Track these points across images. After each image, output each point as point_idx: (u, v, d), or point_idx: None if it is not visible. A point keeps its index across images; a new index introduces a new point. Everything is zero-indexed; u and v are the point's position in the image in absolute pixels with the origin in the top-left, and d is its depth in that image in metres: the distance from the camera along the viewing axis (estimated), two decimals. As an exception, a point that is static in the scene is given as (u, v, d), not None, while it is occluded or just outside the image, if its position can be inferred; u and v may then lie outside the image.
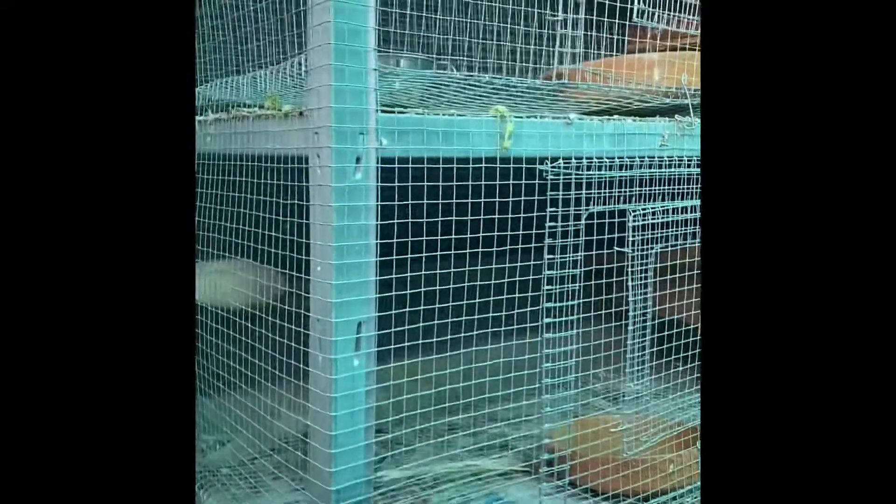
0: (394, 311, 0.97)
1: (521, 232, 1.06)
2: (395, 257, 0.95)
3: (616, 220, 1.17)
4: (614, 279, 1.20)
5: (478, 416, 1.25)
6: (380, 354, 0.94)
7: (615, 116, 1.16)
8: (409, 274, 0.97)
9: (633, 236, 1.18)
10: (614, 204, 1.15)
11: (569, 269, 1.11)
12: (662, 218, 1.22)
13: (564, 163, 1.08)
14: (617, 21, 1.14)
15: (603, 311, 1.21)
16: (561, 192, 1.08)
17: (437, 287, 1.03)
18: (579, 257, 1.12)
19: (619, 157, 1.15)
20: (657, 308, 1.24)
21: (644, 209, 1.19)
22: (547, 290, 1.10)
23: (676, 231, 1.24)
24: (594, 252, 1.15)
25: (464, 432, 1.33)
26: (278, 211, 1.01)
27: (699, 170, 1.25)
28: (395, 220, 0.94)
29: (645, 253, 1.20)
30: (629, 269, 1.19)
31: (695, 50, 1.27)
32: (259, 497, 1.22)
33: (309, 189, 0.93)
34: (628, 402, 1.24)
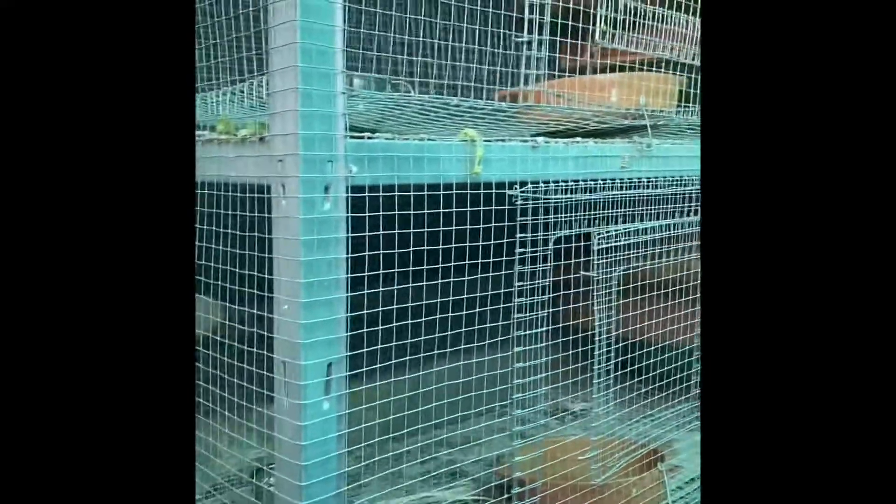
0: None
1: (491, 259, 1.03)
2: (365, 291, 0.90)
3: (581, 243, 1.15)
4: (581, 303, 1.18)
5: (432, 442, 1.19)
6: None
7: (578, 139, 1.14)
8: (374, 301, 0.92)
9: (598, 259, 1.16)
10: (579, 227, 1.13)
11: (538, 295, 1.08)
12: (625, 240, 1.20)
13: (532, 187, 1.05)
14: (579, 42, 1.12)
15: (570, 337, 1.19)
16: (530, 217, 1.05)
17: (411, 304, 0.98)
18: (548, 283, 1.09)
19: (582, 180, 1.12)
20: (620, 331, 1.23)
21: (608, 231, 1.17)
22: (517, 318, 1.06)
23: (638, 252, 1.23)
24: (562, 277, 1.13)
25: (419, 459, 1.27)
26: (234, 243, 0.94)
27: (660, 190, 1.25)
28: (366, 253, 0.88)
29: (609, 275, 1.19)
30: (594, 291, 1.17)
31: (651, 70, 1.27)
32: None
33: (272, 221, 0.86)
34: (593, 424, 1.22)
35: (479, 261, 1.01)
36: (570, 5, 1.08)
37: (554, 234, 1.09)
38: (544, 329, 1.09)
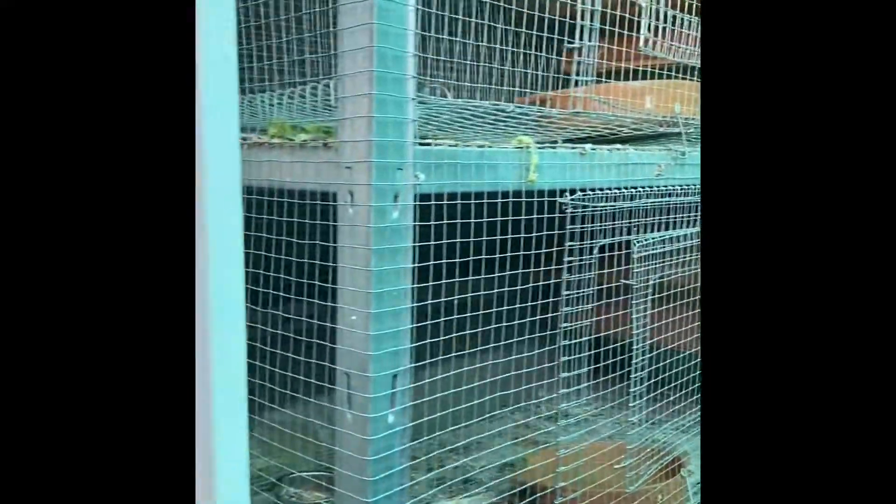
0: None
1: (542, 268, 1.02)
2: (429, 301, 0.88)
3: (614, 252, 1.15)
4: (619, 311, 1.18)
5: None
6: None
7: (618, 146, 1.14)
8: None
9: (637, 267, 1.16)
10: (619, 235, 1.13)
11: (583, 304, 1.07)
12: (661, 248, 1.20)
13: (582, 195, 1.04)
14: (624, 49, 1.11)
15: (610, 346, 1.18)
16: (578, 226, 1.04)
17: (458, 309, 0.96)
18: (592, 291, 1.09)
19: (624, 188, 1.12)
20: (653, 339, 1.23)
21: (646, 239, 1.17)
22: (564, 327, 1.06)
23: (673, 259, 1.24)
24: (604, 285, 1.12)
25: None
26: (288, 251, 0.91)
27: (693, 198, 1.25)
28: (431, 262, 0.86)
29: (646, 282, 1.19)
30: (632, 300, 1.17)
31: (683, 77, 1.27)
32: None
33: (336, 229, 0.83)
34: (630, 432, 1.22)
35: (532, 269, 1.00)
36: (618, 12, 1.08)
37: (598, 243, 1.08)
38: (587, 338, 1.09)
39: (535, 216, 0.98)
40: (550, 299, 1.05)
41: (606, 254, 1.11)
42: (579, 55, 1.04)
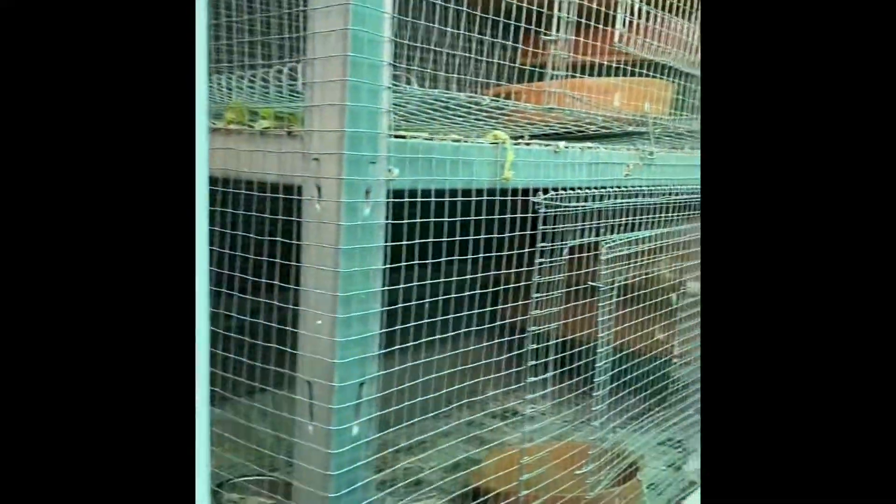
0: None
1: (513, 270, 0.97)
2: (399, 305, 0.82)
3: (582, 254, 1.11)
4: (586, 314, 1.14)
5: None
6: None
7: (590, 144, 1.10)
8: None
9: (606, 268, 1.13)
10: (588, 236, 1.09)
11: (553, 305, 1.04)
12: (629, 249, 1.18)
13: (554, 194, 1.00)
14: (599, 43, 1.08)
15: (575, 350, 1.15)
16: (551, 226, 1.00)
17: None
18: (560, 294, 1.05)
19: (594, 188, 1.09)
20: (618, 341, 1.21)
21: (615, 240, 1.14)
22: (532, 330, 1.02)
23: (640, 261, 1.21)
24: (573, 287, 1.09)
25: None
26: (247, 248, 0.84)
27: (659, 199, 1.23)
28: (402, 263, 0.80)
29: (612, 284, 1.16)
30: (598, 302, 1.14)
31: (650, 75, 1.24)
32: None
33: (301, 225, 0.77)
34: (593, 436, 1.19)
35: (503, 271, 0.96)
36: (594, 5, 1.04)
37: (568, 244, 1.04)
38: (554, 342, 1.05)
39: (508, 216, 0.93)
40: (521, 302, 1.00)
41: (576, 255, 1.07)
42: (555, 47, 0.99)
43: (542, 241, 1.00)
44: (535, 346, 1.02)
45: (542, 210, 0.98)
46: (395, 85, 0.78)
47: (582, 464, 1.17)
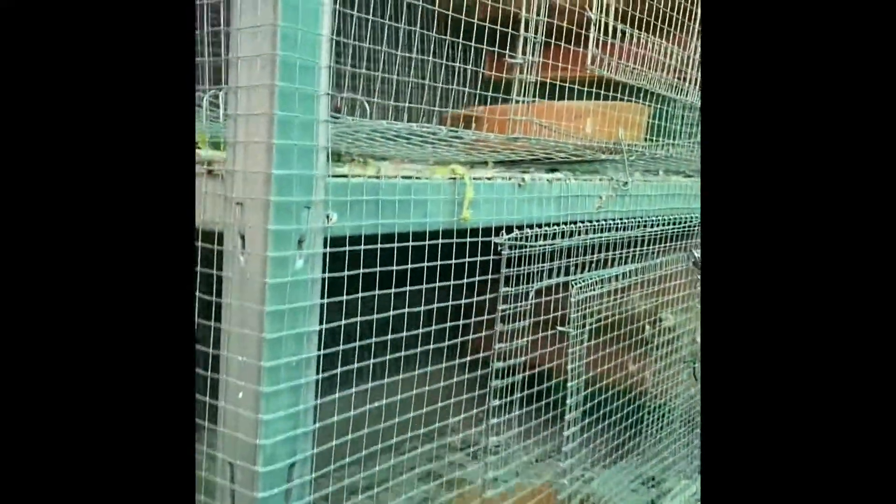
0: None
1: (472, 320, 0.87)
2: (338, 369, 0.71)
3: (552, 296, 1.02)
4: (554, 361, 1.04)
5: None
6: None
7: (559, 176, 1.01)
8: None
9: (575, 312, 1.03)
10: (556, 276, 1.00)
11: (517, 356, 0.94)
12: (601, 288, 1.08)
13: (519, 233, 0.90)
14: (569, 66, 0.98)
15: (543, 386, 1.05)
16: (514, 268, 0.90)
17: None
18: (526, 342, 0.95)
19: (563, 223, 0.99)
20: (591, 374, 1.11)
21: (584, 280, 1.05)
22: (495, 384, 0.92)
23: (612, 300, 1.12)
24: (540, 334, 0.99)
25: None
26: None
27: (633, 232, 1.14)
28: (342, 321, 0.70)
29: (584, 326, 1.06)
30: (567, 347, 1.05)
31: (623, 99, 1.15)
32: None
33: (222, 280, 0.66)
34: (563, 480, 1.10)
35: (461, 322, 0.86)
36: (564, 24, 0.94)
37: (534, 287, 0.94)
38: (519, 396, 0.95)
39: (466, 259, 0.83)
40: (480, 355, 0.90)
41: (543, 298, 0.97)
42: (520, 72, 0.89)
43: (506, 285, 0.90)
44: (498, 382, 0.92)
45: (506, 251, 0.88)
46: (335, 118, 0.67)
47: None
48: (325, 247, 0.66)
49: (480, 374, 0.93)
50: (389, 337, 0.76)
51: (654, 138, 1.25)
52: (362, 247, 0.70)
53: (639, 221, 1.15)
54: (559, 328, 1.01)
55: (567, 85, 0.99)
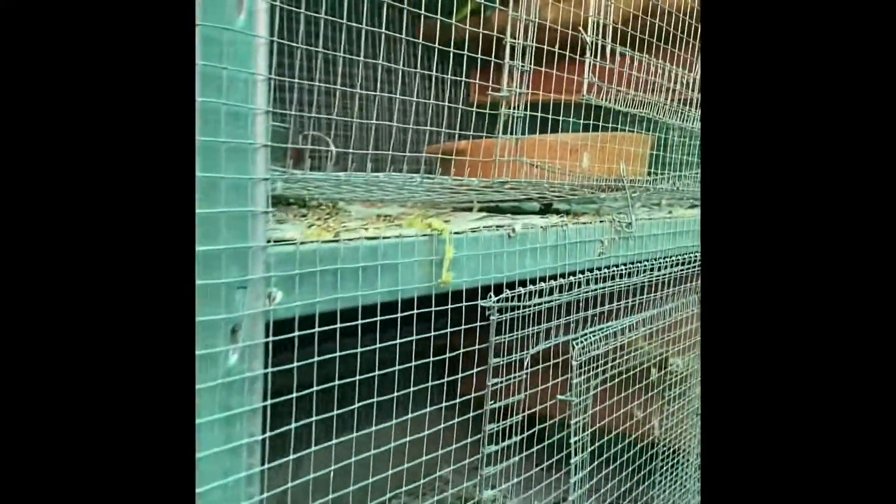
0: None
1: (457, 401, 0.74)
2: (289, 485, 0.58)
3: (557, 359, 0.88)
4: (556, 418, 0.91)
5: None
6: None
7: (555, 221, 0.88)
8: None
9: (578, 376, 0.90)
10: (554, 336, 0.87)
11: (512, 435, 0.80)
12: (604, 345, 0.95)
13: (510, 293, 0.77)
14: (563, 96, 0.86)
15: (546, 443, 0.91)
16: (505, 335, 0.77)
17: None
18: (522, 417, 0.82)
19: (560, 275, 0.86)
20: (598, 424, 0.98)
21: (585, 338, 0.92)
22: (484, 473, 0.78)
23: (619, 356, 0.99)
24: (537, 407, 0.85)
25: None
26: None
27: (638, 279, 1.01)
28: (292, 425, 0.56)
29: (588, 389, 0.93)
30: (570, 416, 0.91)
31: (624, 129, 1.03)
32: None
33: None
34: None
35: (444, 404, 0.72)
36: (556, 49, 0.82)
37: (528, 353, 0.81)
38: (512, 483, 0.82)
39: (448, 330, 0.70)
40: (468, 441, 0.77)
41: (540, 365, 0.84)
42: (507, 106, 0.77)
43: (496, 355, 0.76)
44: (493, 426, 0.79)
45: (494, 316, 0.75)
46: (278, 170, 0.54)
47: None
48: (266, 335, 0.53)
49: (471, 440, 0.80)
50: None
51: (658, 172, 1.13)
52: (316, 329, 0.57)
53: (645, 266, 1.03)
54: (559, 397, 0.88)
55: (560, 118, 0.87)
